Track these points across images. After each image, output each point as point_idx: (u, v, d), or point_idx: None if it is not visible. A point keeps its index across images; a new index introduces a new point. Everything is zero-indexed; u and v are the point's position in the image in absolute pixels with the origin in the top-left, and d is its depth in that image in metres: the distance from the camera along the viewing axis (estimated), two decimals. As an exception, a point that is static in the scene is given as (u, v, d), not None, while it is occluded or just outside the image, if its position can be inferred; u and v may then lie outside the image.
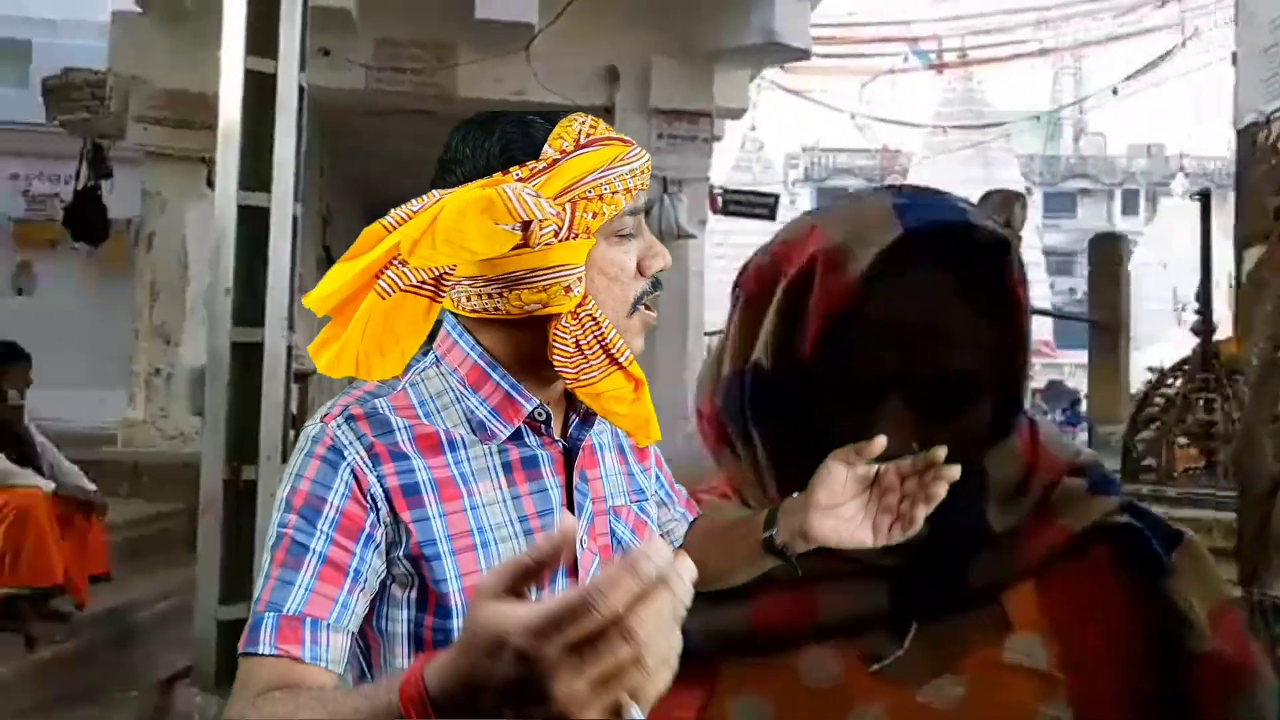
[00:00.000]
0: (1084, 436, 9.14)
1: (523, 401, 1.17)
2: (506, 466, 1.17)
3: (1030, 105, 39.29)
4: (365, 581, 1.09)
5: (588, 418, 1.22)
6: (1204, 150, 44.93)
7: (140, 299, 8.84)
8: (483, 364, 1.17)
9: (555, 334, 1.13)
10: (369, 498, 1.10)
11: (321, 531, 1.08)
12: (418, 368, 1.20)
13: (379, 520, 1.10)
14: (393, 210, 1.06)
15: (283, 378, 4.21)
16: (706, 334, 9.22)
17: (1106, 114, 41.18)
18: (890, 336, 1.16)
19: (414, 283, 1.04)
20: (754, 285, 1.25)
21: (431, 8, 8.43)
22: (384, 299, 1.03)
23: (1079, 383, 34.50)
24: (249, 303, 4.20)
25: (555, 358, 1.13)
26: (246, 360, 4.17)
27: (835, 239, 1.18)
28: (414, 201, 1.06)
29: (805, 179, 46.35)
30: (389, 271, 1.03)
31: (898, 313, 1.16)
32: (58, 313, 12.17)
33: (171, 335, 8.61)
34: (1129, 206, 45.37)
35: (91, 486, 5.37)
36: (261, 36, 4.33)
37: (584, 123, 1.14)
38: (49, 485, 5.04)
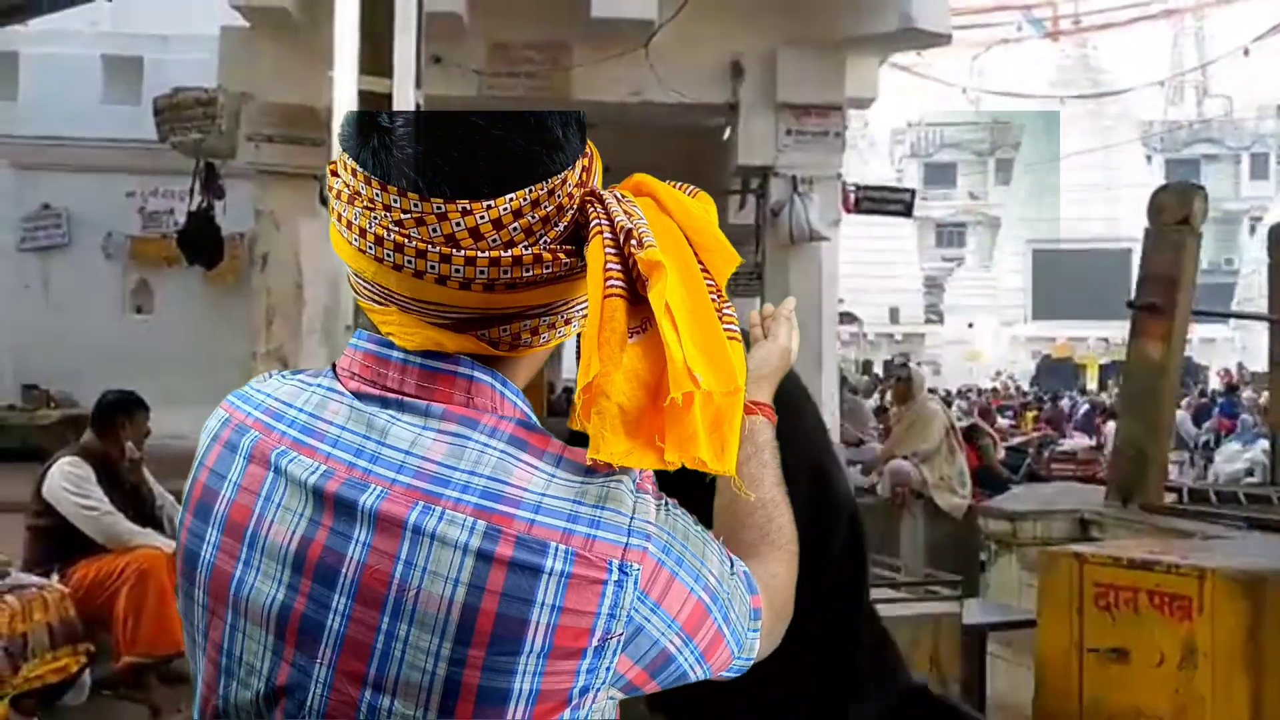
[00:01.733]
0: (1264, 444, 8.35)
1: None
2: None
3: (1148, 70, 37.57)
4: None
5: None
6: (1341, 109, 42.53)
7: (257, 320, 8.72)
8: (532, 417, 0.94)
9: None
10: None
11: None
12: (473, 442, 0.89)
13: None
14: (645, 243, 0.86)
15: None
16: (841, 343, 8.71)
17: (1230, 75, 39.16)
18: None
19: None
20: None
21: (545, 7, 8.10)
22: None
23: (1207, 358, 32.93)
24: (370, 336, 3.92)
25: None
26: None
27: None
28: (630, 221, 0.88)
29: (911, 154, 45.39)
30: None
31: None
32: (175, 329, 12.19)
33: (289, 358, 8.43)
34: (1258, 171, 43.42)
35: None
36: (374, 54, 4.13)
37: None
38: (170, 545, 4.78)
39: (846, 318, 25.10)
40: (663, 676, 0.90)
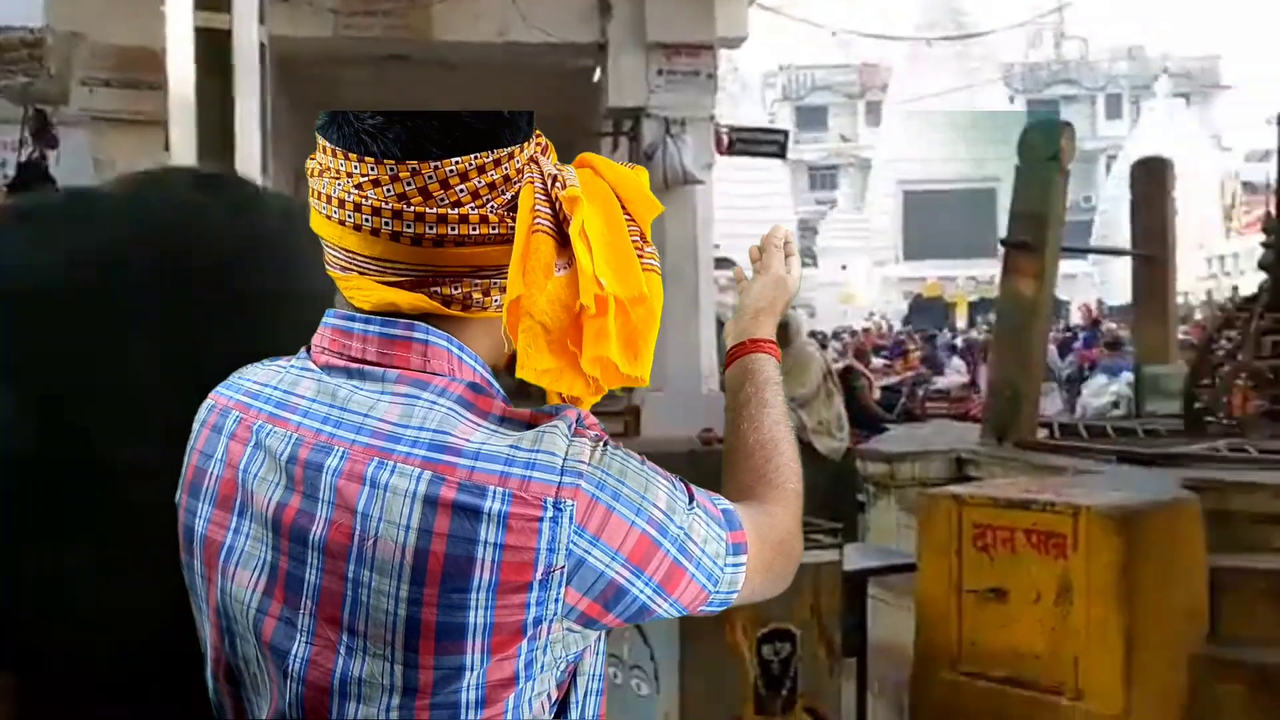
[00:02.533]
0: (1128, 377, 8.60)
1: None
2: None
3: (1009, 12, 38.49)
4: None
5: None
6: (1187, 50, 44.30)
7: (101, 278, 8.20)
8: (489, 379, 1.02)
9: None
10: None
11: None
12: (422, 401, 0.96)
13: None
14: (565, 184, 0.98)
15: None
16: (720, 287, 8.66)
17: (1086, 17, 40.39)
18: None
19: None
20: None
21: (403, -60, 7.70)
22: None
23: (1069, 293, 34.17)
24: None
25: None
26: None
27: None
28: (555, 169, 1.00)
29: (783, 98, 45.71)
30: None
31: None
32: (16, 290, 11.47)
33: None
34: (1112, 111, 44.98)
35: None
36: (211, -14, 3.80)
37: None
38: None
39: (722, 263, 25.19)
40: (619, 609, 0.95)
